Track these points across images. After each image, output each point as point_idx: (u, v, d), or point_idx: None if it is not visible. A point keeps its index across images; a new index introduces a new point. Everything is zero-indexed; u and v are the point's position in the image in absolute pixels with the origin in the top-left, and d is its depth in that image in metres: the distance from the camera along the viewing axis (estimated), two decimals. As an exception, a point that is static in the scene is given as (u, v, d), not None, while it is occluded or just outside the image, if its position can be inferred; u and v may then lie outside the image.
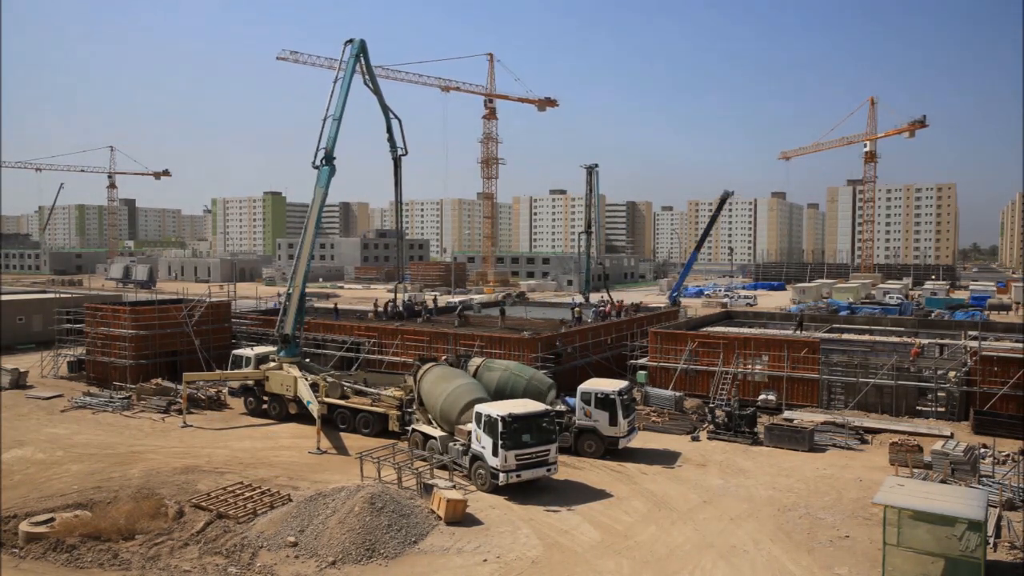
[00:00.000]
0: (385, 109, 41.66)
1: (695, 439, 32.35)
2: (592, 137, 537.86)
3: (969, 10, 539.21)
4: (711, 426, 33.28)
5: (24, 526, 21.01)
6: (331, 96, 37.25)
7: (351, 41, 38.10)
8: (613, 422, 28.93)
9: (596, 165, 65.85)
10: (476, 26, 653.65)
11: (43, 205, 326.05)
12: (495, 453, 24.58)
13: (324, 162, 36.97)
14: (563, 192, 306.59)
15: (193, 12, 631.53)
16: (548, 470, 25.30)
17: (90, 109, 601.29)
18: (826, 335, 45.49)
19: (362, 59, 38.92)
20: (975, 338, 39.34)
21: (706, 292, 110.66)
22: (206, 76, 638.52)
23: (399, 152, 42.95)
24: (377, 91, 40.72)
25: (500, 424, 24.42)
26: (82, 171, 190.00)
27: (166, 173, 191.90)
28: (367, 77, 39.85)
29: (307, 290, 39.08)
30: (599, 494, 25.16)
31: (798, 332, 45.84)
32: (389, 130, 42.44)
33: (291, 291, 37.36)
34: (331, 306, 61.90)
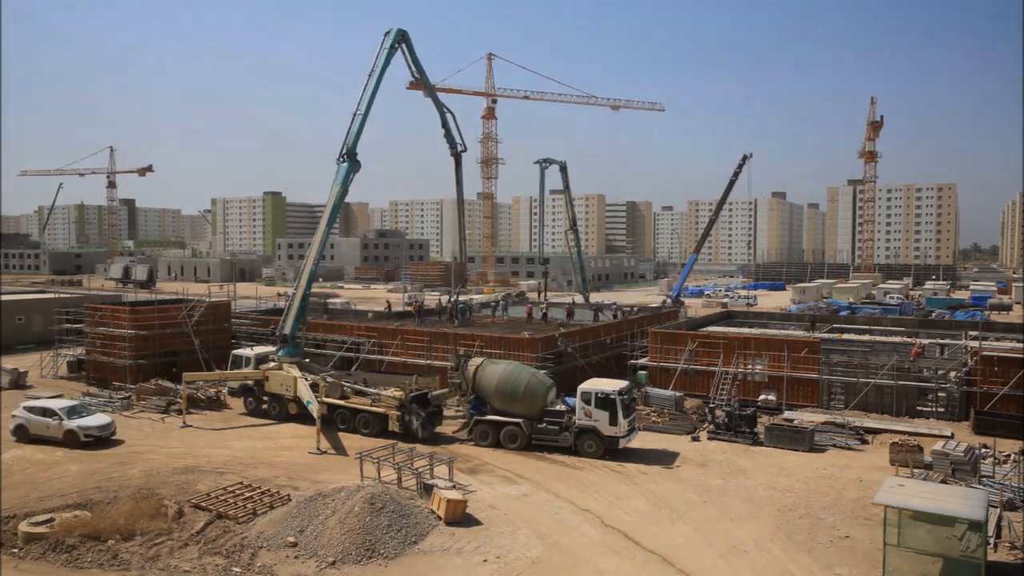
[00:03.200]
0: (438, 104, 39.43)
1: (695, 439, 32.33)
2: (592, 136, 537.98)
3: (970, 10, 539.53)
4: (711, 426, 33.27)
5: (24, 526, 20.99)
6: (363, 89, 35.83)
7: (389, 32, 36.31)
8: (613, 422, 28.93)
9: (547, 161, 63.82)
10: (474, 21, 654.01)
11: (43, 205, 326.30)
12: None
13: (344, 158, 36.11)
14: (563, 192, 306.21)
15: (192, 11, 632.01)
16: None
17: (89, 109, 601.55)
18: (826, 335, 45.47)
19: (405, 51, 37.05)
20: (975, 338, 39.34)
21: (706, 292, 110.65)
22: (206, 75, 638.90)
23: (459, 148, 40.74)
24: (426, 84, 38.39)
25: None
26: (93, 173, 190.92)
27: (149, 169, 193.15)
28: (413, 69, 37.61)
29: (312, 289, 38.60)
30: (599, 494, 25.15)
31: (813, 333, 45.71)
32: (445, 126, 40.19)
33: (296, 290, 37.23)
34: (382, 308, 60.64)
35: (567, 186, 66.74)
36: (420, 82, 38.82)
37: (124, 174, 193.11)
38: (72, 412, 31.41)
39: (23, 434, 31.18)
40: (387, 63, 36.51)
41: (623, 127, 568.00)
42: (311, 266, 36.98)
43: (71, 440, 30.36)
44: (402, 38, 36.92)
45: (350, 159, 36.31)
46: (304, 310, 37.56)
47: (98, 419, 31.64)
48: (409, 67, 37.94)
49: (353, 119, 36.01)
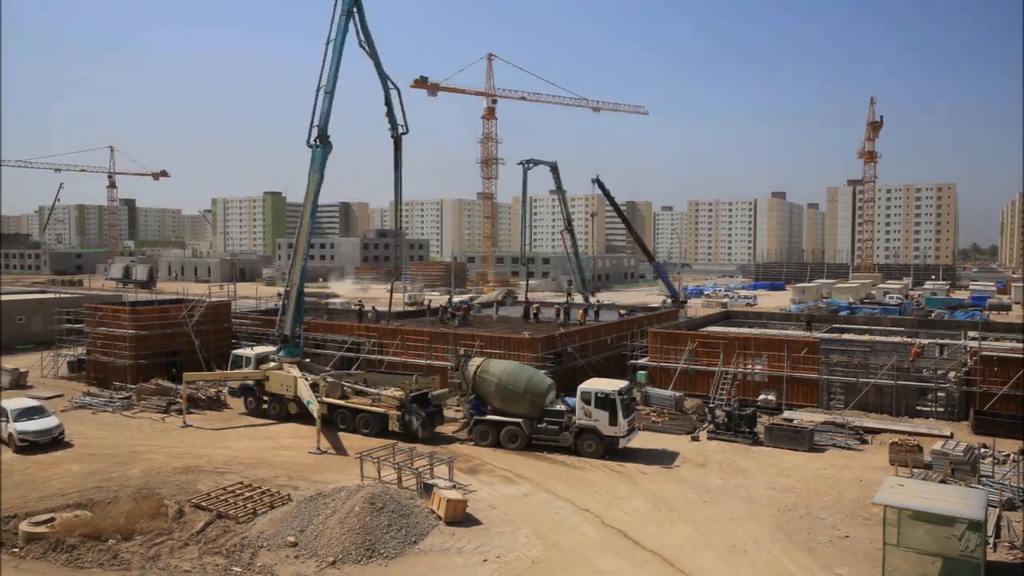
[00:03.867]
0: (383, 77, 37.27)
1: (695, 439, 32.35)
2: (591, 136, 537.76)
3: (969, 10, 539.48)
4: (711, 426, 33.28)
5: (24, 526, 21.02)
6: (323, 63, 34.38)
7: None
8: (613, 422, 28.94)
9: (532, 162, 61.78)
10: (473, 20, 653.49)
11: (43, 205, 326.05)
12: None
13: (318, 141, 34.84)
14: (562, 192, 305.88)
15: (192, 10, 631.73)
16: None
17: (89, 109, 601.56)
18: (826, 335, 45.47)
19: (356, 17, 35.38)
20: (975, 338, 39.35)
21: (706, 292, 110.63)
22: (206, 75, 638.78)
23: (400, 130, 38.38)
24: (374, 54, 36.38)
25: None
26: (83, 171, 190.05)
27: (164, 174, 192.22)
28: (362, 38, 35.75)
29: (306, 290, 38.52)
30: (599, 494, 25.17)
31: (810, 332, 45.68)
32: (388, 103, 37.89)
33: (289, 288, 37.11)
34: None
35: (559, 186, 66.07)
36: (369, 53, 36.56)
37: (137, 176, 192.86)
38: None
39: None
40: (345, 29, 34.81)
41: (624, 127, 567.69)
42: (301, 262, 36.49)
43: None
44: (354, 4, 34.94)
45: (323, 142, 34.91)
46: (301, 308, 37.46)
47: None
48: (358, 35, 35.85)
49: (318, 96, 34.25)
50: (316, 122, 34.91)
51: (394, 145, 38.96)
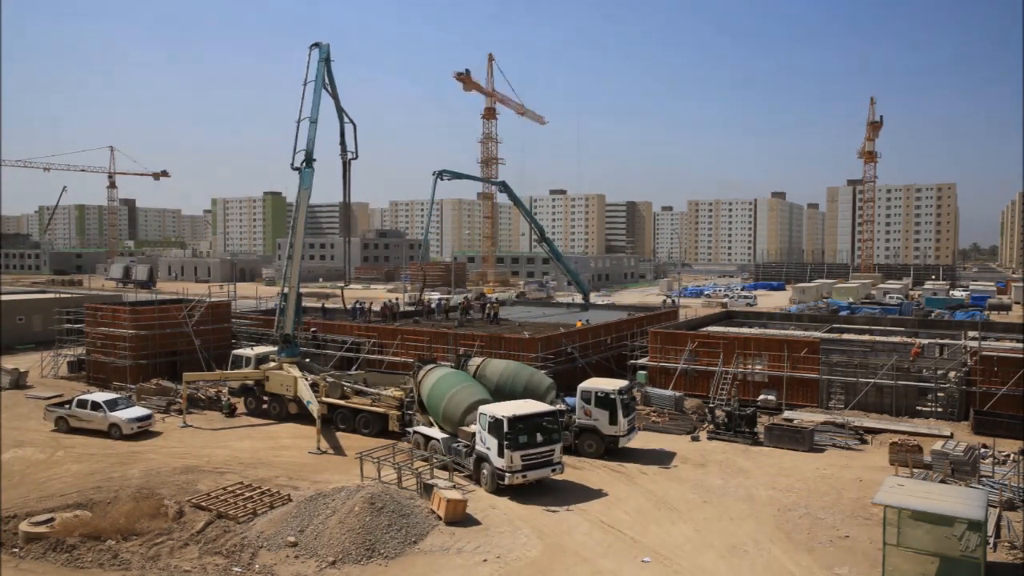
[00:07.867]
0: (341, 112, 40.79)
1: (695, 439, 32.35)
2: (592, 136, 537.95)
3: (969, 10, 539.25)
4: (711, 426, 33.28)
5: (24, 526, 21.02)
6: (303, 99, 37.92)
7: (317, 45, 38.30)
8: (613, 421, 28.93)
9: (443, 174, 58.18)
10: (473, 26, 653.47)
11: (43, 205, 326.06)
12: (500, 454, 24.60)
13: (305, 164, 37.54)
14: (563, 192, 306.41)
15: (192, 10, 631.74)
16: (553, 470, 25.25)
17: (89, 108, 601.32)
18: (826, 335, 45.45)
19: (326, 64, 38.92)
20: (975, 338, 39.35)
21: (706, 292, 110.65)
22: (206, 75, 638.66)
23: (350, 156, 41.51)
24: (334, 95, 40.23)
25: (505, 425, 24.50)
26: (83, 171, 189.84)
27: (164, 174, 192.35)
28: (326, 81, 39.57)
29: (306, 289, 39.15)
30: (599, 494, 25.17)
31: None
32: (342, 134, 41.18)
33: (287, 291, 37.55)
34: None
35: (516, 202, 64.14)
36: (331, 94, 40.00)
37: (137, 176, 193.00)
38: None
39: None
40: (321, 73, 38.36)
41: (624, 127, 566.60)
42: (297, 266, 37.76)
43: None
44: (327, 55, 38.78)
45: (309, 164, 37.79)
46: (299, 310, 37.98)
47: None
48: (323, 78, 39.30)
49: (300, 126, 37.47)
50: (302, 146, 37.58)
51: (343, 168, 41.78)
